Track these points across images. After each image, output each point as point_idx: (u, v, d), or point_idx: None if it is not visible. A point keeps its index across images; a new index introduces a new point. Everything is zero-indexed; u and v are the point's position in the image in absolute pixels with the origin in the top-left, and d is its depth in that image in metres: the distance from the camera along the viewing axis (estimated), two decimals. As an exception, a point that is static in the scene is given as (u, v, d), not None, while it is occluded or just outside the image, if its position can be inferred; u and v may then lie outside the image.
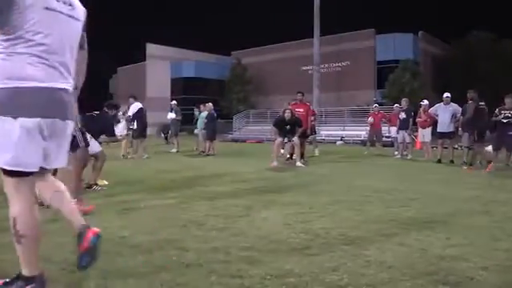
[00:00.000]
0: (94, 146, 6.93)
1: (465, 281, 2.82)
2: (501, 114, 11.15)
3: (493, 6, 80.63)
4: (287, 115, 10.95)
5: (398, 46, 42.70)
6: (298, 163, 10.94)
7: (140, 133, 13.21)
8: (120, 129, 16.23)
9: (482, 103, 11.30)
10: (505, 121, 11.00)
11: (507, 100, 11.19)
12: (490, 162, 10.78)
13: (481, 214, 5.08)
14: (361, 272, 2.97)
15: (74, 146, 4.69)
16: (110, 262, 3.13)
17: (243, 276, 2.87)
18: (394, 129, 15.29)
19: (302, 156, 11.72)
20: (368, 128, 17.11)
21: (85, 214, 4.59)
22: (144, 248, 3.50)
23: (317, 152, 14.85)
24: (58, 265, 3.04)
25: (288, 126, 10.97)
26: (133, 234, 3.96)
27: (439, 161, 12.22)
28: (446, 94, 12.51)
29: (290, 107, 11.67)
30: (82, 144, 4.95)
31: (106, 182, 7.17)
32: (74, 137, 4.59)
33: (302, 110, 11.95)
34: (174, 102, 18.58)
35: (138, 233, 3.99)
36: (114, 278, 2.83)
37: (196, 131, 16.56)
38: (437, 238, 3.88)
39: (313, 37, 29.76)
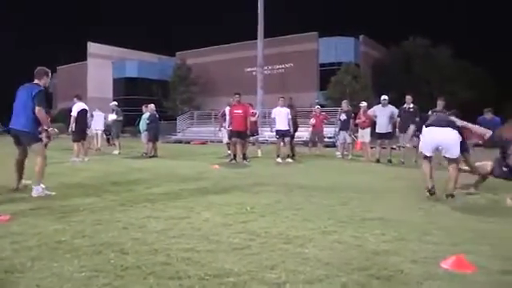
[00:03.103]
0: None
1: (395, 274, 2.96)
2: (433, 115, 11.72)
3: (427, 13, 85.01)
4: None
5: (339, 49, 43.91)
6: (245, 162, 11.20)
7: (79, 135, 12.75)
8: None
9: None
10: (436, 122, 11.59)
11: (439, 102, 11.81)
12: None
13: (415, 210, 5.34)
14: (298, 269, 3.04)
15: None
16: (45, 268, 3.04)
17: (182, 277, 2.87)
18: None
19: (243, 157, 11.89)
20: (310, 129, 17.38)
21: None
22: (81, 252, 3.41)
23: (259, 153, 14.96)
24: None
25: None
26: (70, 238, 3.84)
27: (378, 160, 12.64)
28: (384, 97, 12.95)
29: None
30: None
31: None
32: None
33: (240, 111, 11.99)
34: (115, 102, 18.15)
35: (75, 237, 3.88)
36: (47, 283, 2.74)
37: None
38: (372, 235, 4.04)
39: (257, 38, 29.97)
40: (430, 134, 6.41)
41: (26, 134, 6.20)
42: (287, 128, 12.82)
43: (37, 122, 6.19)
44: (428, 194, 6.22)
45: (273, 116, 13.08)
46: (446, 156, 6.29)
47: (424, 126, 6.58)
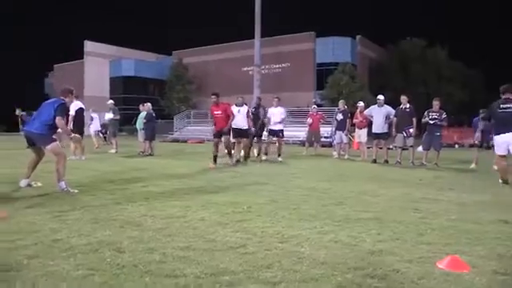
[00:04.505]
0: None
1: (391, 273, 2.97)
2: (429, 115, 11.81)
3: (424, 15, 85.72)
4: None
5: (336, 48, 43.93)
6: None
7: (77, 133, 12.69)
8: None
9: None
10: (432, 122, 11.68)
11: (434, 103, 11.89)
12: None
13: (410, 210, 5.34)
14: (294, 268, 3.05)
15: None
16: (40, 266, 3.03)
17: (178, 275, 2.87)
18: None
19: (230, 155, 11.97)
20: (307, 129, 17.40)
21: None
22: (78, 251, 3.40)
23: (255, 152, 14.92)
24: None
25: None
26: (67, 236, 3.84)
27: (374, 161, 12.65)
28: (380, 97, 12.97)
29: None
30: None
31: (40, 184, 6.89)
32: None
33: (219, 112, 11.92)
34: (111, 101, 18.11)
35: (72, 235, 3.87)
36: (43, 282, 2.74)
37: None
38: (368, 234, 4.05)
39: (254, 38, 29.91)
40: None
41: (38, 135, 6.68)
42: (280, 128, 13.31)
43: (51, 128, 6.67)
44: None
45: (268, 116, 13.24)
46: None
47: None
